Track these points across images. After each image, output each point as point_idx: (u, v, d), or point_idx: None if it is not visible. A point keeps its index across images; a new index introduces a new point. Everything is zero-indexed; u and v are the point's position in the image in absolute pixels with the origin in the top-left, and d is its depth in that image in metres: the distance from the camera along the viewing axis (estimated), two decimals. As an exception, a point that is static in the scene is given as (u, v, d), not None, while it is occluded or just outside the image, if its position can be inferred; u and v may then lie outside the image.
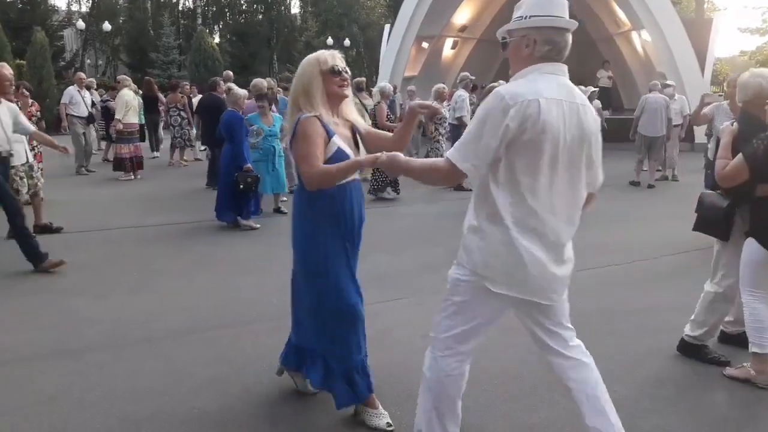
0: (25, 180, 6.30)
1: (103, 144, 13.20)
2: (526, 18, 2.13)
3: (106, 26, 28.45)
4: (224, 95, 9.11)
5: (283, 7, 42.43)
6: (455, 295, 2.25)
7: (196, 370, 3.29)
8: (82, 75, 11.46)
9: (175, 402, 2.94)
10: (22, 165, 6.28)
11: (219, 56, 24.26)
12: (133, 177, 10.26)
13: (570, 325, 2.31)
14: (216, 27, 42.39)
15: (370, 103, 9.56)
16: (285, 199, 7.90)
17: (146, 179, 10.39)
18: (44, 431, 2.69)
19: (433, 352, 2.31)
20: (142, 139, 11.55)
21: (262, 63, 35.35)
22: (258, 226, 6.83)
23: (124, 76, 11.89)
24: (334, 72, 2.62)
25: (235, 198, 6.67)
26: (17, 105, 6.56)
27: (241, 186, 6.54)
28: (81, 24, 28.99)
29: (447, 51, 21.13)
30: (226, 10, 41.18)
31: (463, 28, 20.49)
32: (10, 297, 4.53)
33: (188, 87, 13.85)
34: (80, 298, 4.48)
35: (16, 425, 2.73)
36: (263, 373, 3.22)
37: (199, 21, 36.81)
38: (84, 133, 10.92)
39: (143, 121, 12.20)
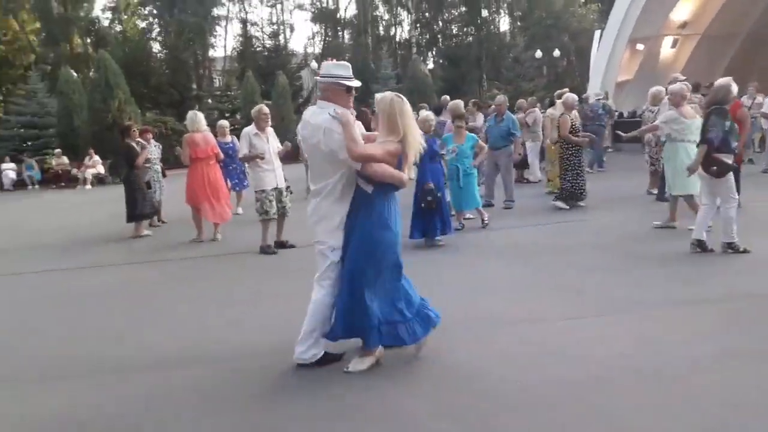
0: (273, 203, 7.41)
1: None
2: None
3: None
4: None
5: (492, 26, 43.20)
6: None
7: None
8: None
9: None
10: (272, 189, 7.38)
11: (431, 82, 25.55)
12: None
13: None
14: (429, 53, 44.69)
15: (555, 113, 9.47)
16: (471, 216, 8.29)
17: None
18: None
19: None
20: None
21: (472, 83, 36.33)
22: (442, 243, 7.15)
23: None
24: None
25: (420, 216, 7.10)
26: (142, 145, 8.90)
27: (422, 204, 7.00)
28: (314, 64, 32.85)
29: (666, 51, 19.61)
30: (439, 36, 43.12)
31: (683, 25, 18.92)
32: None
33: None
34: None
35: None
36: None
37: (414, 50, 39.07)
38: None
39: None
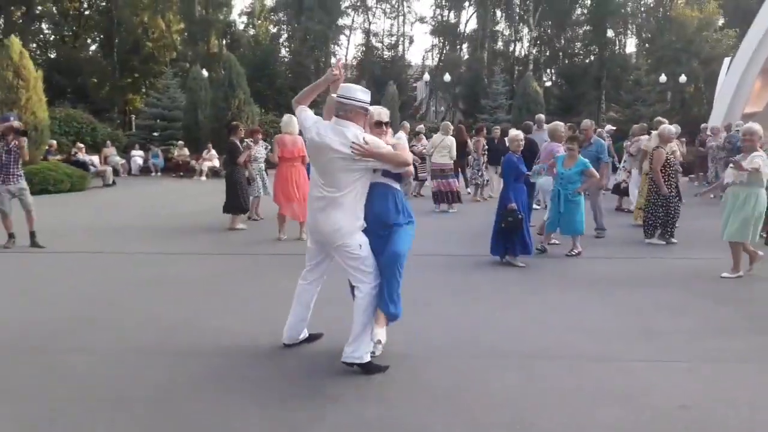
0: None
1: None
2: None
3: (446, 77, 32.14)
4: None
5: (617, 47, 41.51)
6: None
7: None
8: (406, 124, 13.46)
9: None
10: None
11: (542, 100, 25.01)
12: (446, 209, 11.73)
13: None
14: (549, 71, 43.71)
15: None
16: (557, 242, 8.15)
17: (457, 214, 11.64)
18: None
19: None
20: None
21: (588, 104, 35.09)
22: (523, 265, 7.04)
23: (447, 122, 13.41)
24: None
25: (500, 236, 7.08)
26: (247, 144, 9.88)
27: (503, 225, 6.95)
28: (426, 76, 33.33)
29: (803, 83, 17.97)
30: (560, 54, 42.08)
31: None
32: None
33: (497, 131, 14.79)
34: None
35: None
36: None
37: (531, 66, 38.40)
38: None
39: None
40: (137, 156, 21.80)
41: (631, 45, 43.33)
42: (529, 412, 3.39)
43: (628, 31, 42.06)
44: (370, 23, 43.91)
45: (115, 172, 19.43)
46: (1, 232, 8.25)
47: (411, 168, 4.02)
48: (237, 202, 9.64)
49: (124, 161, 21.06)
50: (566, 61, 40.88)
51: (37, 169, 14.57)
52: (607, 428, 3.22)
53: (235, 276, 6.69)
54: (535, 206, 9.64)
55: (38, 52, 39.27)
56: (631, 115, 25.40)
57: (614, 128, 14.42)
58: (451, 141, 11.96)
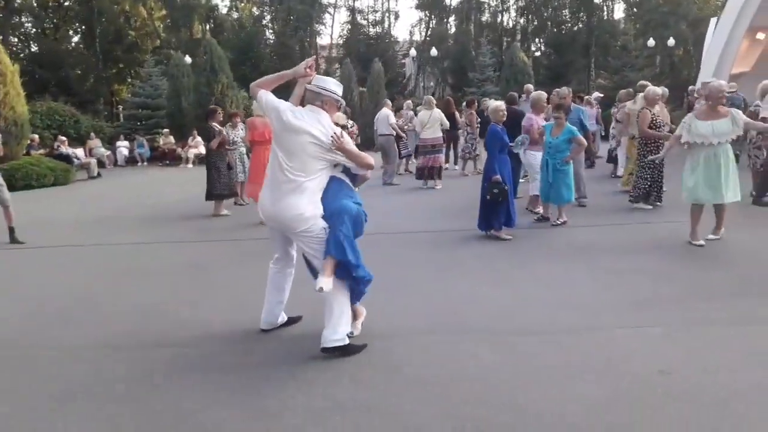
0: None
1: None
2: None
3: (433, 52, 31.78)
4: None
5: (605, 13, 41.05)
6: None
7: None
8: (388, 101, 13.26)
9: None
10: None
11: (530, 70, 24.74)
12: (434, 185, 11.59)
13: None
14: (537, 41, 43.25)
15: None
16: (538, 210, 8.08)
17: (444, 189, 11.49)
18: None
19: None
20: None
21: (577, 72, 34.80)
22: (509, 237, 6.98)
23: (429, 96, 13.22)
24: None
25: (485, 208, 7.00)
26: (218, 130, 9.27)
27: (487, 197, 6.85)
28: (413, 52, 32.93)
29: (790, 41, 17.75)
30: (549, 23, 41.61)
31: (813, 12, 16.93)
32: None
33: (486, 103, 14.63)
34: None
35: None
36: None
37: (518, 37, 37.98)
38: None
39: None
40: (122, 147, 21.55)
41: (619, 11, 43.04)
42: (505, 389, 3.32)
43: (615, -5, 41.62)
44: (354, 0, 43.39)
45: (101, 164, 19.23)
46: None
47: (369, 173, 4.08)
48: (217, 188, 9.51)
49: (109, 153, 20.83)
50: (554, 30, 40.44)
51: (19, 165, 14.38)
52: (584, 399, 3.16)
53: (216, 263, 6.59)
54: (521, 180, 9.54)
55: (19, 46, 38.69)
56: (619, 81, 25.14)
57: (601, 95, 14.28)
58: (439, 114, 11.81)
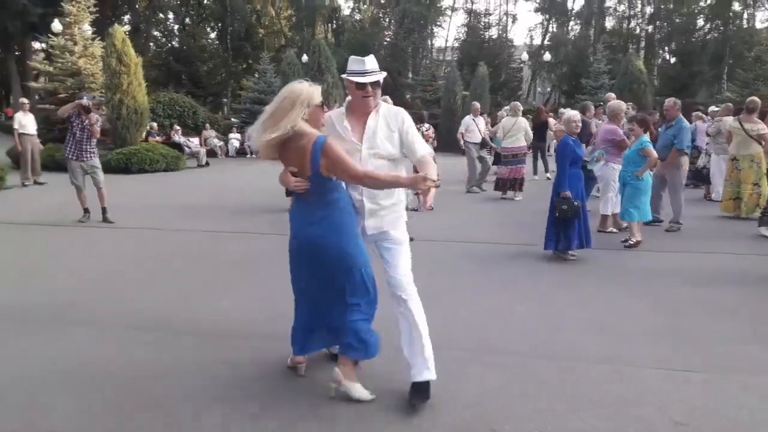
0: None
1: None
2: None
3: (546, 56, 30.78)
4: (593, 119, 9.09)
5: (745, 21, 37.63)
6: None
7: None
8: (477, 105, 12.85)
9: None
10: None
11: (645, 79, 23.22)
12: (513, 197, 11.17)
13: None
14: (666, 48, 40.56)
15: None
16: (614, 230, 7.65)
17: (524, 201, 11.08)
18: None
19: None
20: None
21: (707, 84, 32.17)
22: (573, 257, 6.58)
23: (516, 102, 12.69)
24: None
25: (555, 226, 6.57)
26: None
27: (557, 214, 6.48)
28: (525, 56, 32.08)
29: None
30: (679, 30, 38.80)
31: None
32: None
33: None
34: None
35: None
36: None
37: (642, 44, 35.75)
38: (478, 157, 12.28)
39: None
40: (234, 139, 22.85)
41: (762, 19, 39.25)
42: (497, 418, 3.16)
43: (759, 3, 37.92)
44: (473, 3, 42.95)
45: (213, 154, 20.50)
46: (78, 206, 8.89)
47: None
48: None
49: (222, 143, 22.17)
50: (683, 39, 37.66)
51: (135, 150, 15.71)
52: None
53: (267, 256, 6.78)
54: (594, 194, 8.96)
55: (163, 41, 42.25)
56: (748, 95, 22.85)
57: (717, 109, 13.11)
58: (524, 122, 11.39)
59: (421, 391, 3.26)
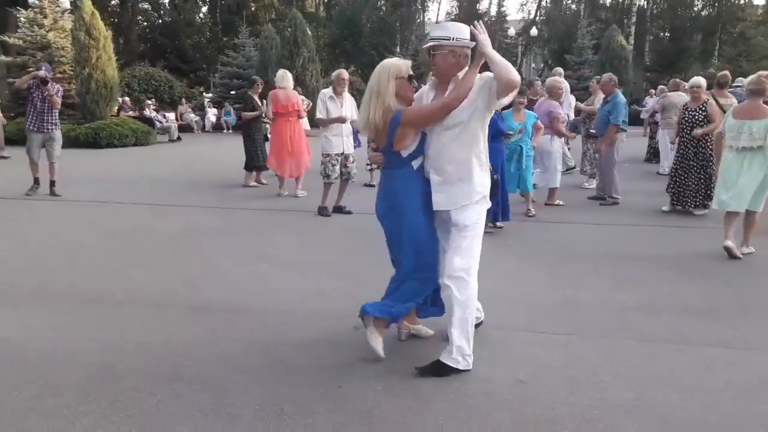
0: (336, 167, 7.59)
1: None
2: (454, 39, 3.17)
3: (533, 31, 30.51)
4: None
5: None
6: (482, 227, 3.32)
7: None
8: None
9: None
10: (337, 154, 7.59)
11: (627, 55, 23.10)
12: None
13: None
14: (660, 24, 40.07)
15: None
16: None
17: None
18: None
19: (470, 279, 3.21)
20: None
21: (695, 60, 31.92)
22: (490, 230, 6.57)
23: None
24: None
25: None
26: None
27: None
28: (511, 31, 31.80)
29: None
30: (678, 7, 38.24)
31: None
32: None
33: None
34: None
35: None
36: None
37: (633, 19, 35.35)
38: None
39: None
40: (211, 113, 22.83)
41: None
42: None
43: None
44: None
45: (190, 129, 20.49)
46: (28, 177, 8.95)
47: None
48: (254, 159, 9.80)
49: (198, 118, 22.15)
50: (677, 14, 37.20)
51: (104, 125, 15.74)
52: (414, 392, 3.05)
53: (199, 231, 6.86)
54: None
55: (155, 15, 41.61)
56: (731, 71, 22.73)
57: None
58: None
59: (434, 367, 3.29)
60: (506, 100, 3.29)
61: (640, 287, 4.84)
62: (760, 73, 5.81)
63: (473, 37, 3.13)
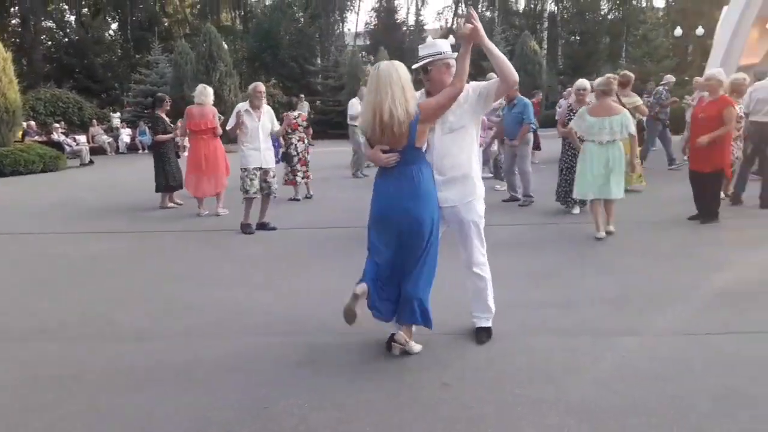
0: (255, 182, 7.37)
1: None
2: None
3: (451, 40, 31.00)
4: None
5: (643, 1, 39.39)
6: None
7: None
8: (363, 89, 12.93)
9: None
10: (255, 168, 7.36)
11: (540, 60, 24.01)
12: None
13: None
14: (569, 29, 41.92)
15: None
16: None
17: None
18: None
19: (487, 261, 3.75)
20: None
21: (604, 62, 33.54)
22: None
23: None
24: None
25: None
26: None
27: None
28: (430, 39, 32.25)
29: (805, 32, 16.59)
30: (587, 13, 40.12)
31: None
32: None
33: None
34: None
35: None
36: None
37: (545, 24, 36.89)
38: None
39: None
40: (125, 134, 21.93)
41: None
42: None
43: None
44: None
45: (103, 151, 19.58)
46: None
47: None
48: (166, 180, 9.42)
49: (111, 140, 21.21)
50: (585, 18, 39.08)
51: (8, 151, 14.78)
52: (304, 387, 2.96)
53: (124, 256, 6.52)
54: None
55: (60, 34, 39.68)
56: (637, 71, 24.11)
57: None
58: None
59: (488, 332, 3.83)
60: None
61: (556, 282, 4.97)
62: (609, 75, 6.59)
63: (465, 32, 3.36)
